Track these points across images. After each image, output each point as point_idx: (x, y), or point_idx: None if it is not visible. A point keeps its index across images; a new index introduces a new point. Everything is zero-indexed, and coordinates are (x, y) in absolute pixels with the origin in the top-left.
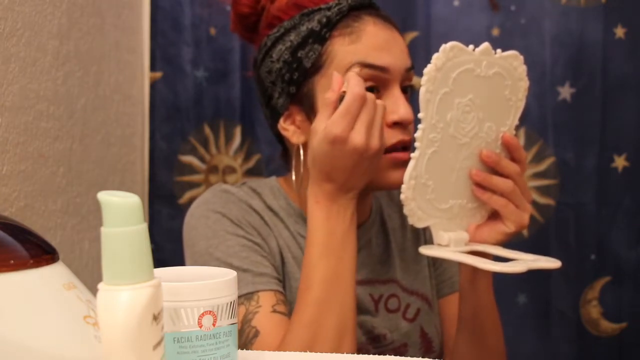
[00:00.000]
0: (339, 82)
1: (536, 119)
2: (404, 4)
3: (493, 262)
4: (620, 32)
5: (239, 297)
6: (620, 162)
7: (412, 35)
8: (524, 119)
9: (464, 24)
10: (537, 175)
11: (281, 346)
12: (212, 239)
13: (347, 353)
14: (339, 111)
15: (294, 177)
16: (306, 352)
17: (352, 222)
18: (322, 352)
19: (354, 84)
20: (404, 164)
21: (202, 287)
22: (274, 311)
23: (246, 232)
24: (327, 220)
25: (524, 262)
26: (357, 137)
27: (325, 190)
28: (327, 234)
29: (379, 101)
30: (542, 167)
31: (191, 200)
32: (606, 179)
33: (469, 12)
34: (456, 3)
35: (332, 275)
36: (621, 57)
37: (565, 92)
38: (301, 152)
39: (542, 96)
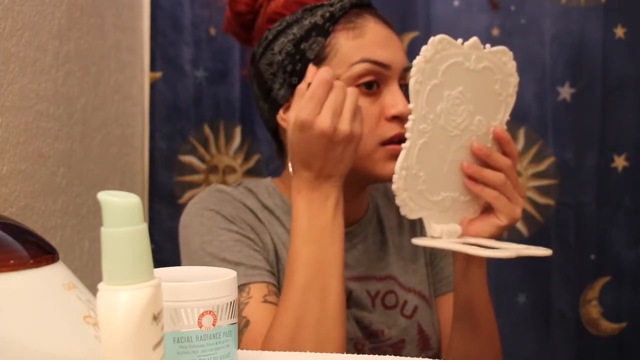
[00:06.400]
0: (313, 73)
1: (536, 119)
2: (404, 4)
3: (483, 248)
4: (620, 32)
5: None
6: (620, 162)
7: (412, 35)
8: (523, 119)
9: (464, 24)
10: (537, 175)
11: (268, 332)
12: (206, 235)
13: (334, 340)
14: (305, 96)
15: (291, 170)
16: (291, 337)
17: (336, 210)
18: (307, 338)
19: (321, 71)
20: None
21: (202, 287)
22: (265, 301)
23: (240, 228)
24: (308, 209)
25: (513, 249)
26: (323, 120)
27: (304, 179)
28: (309, 222)
29: (350, 88)
30: (542, 167)
31: None
32: (606, 179)
33: (469, 12)
34: (456, 3)
35: (315, 262)
36: (621, 57)
37: (565, 92)
38: None
39: (542, 96)
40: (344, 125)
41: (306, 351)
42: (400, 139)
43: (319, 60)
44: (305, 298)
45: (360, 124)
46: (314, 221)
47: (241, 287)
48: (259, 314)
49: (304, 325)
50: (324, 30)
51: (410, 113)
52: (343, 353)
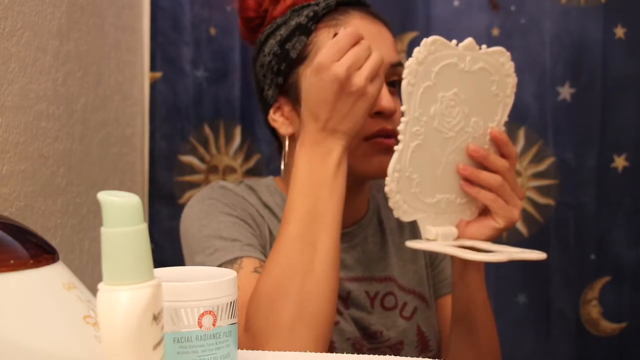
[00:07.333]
0: (342, 32)
1: (536, 119)
2: (404, 4)
3: (475, 252)
4: (620, 32)
5: (224, 263)
6: (620, 162)
7: (412, 35)
8: (523, 119)
9: (463, 24)
10: (537, 175)
11: (256, 284)
12: (204, 219)
13: (322, 295)
14: (329, 43)
15: (282, 167)
16: (277, 285)
17: (338, 167)
18: (292, 288)
19: (350, 28)
20: (386, 149)
21: (202, 287)
22: (255, 271)
23: (239, 214)
24: (309, 162)
25: (507, 252)
26: (339, 67)
27: (309, 131)
28: (308, 174)
29: (376, 52)
30: (542, 167)
31: None
32: (606, 179)
33: (469, 12)
34: (456, 3)
35: (309, 214)
36: (621, 57)
37: (565, 92)
38: (286, 142)
39: (542, 96)
40: (359, 79)
41: (290, 302)
42: (385, 134)
43: (301, 59)
44: (294, 249)
45: (376, 88)
46: (313, 174)
47: (234, 260)
48: (247, 282)
49: (291, 275)
50: (307, 29)
51: (394, 108)
52: (333, 308)
